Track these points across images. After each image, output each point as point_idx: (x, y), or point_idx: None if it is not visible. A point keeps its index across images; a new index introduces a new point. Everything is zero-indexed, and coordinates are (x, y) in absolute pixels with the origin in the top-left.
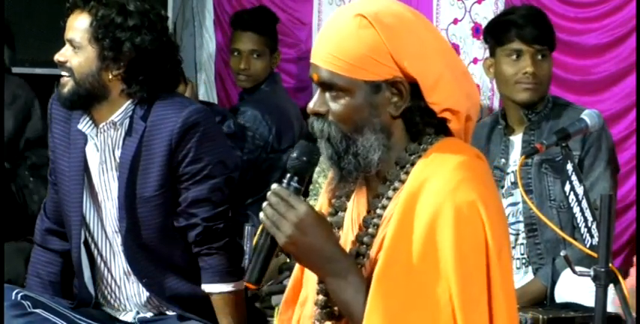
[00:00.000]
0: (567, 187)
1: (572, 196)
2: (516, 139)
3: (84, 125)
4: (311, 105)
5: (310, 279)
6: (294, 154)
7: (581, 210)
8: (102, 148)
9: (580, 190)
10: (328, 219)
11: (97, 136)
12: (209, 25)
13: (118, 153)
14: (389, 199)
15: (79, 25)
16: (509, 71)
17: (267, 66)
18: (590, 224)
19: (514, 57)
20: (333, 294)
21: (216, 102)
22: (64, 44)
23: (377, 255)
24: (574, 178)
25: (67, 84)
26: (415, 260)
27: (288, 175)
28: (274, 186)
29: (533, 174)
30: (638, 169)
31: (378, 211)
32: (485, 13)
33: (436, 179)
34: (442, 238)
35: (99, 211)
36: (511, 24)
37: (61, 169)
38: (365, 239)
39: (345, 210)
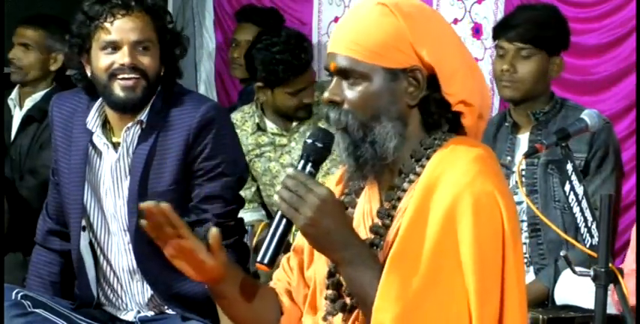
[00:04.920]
0: (567, 187)
1: (572, 196)
2: (523, 138)
3: (93, 125)
4: (326, 94)
5: (318, 273)
6: (309, 140)
7: (581, 210)
8: (123, 145)
9: (580, 190)
10: None
11: (121, 135)
12: (209, 25)
13: (132, 148)
14: (404, 191)
15: (144, 26)
16: (495, 68)
17: None
18: (590, 224)
19: (500, 54)
20: (348, 279)
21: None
22: None
23: (390, 245)
24: (574, 177)
25: (139, 85)
26: (431, 247)
27: (303, 161)
28: (290, 170)
29: (538, 174)
30: (638, 169)
31: (393, 202)
32: (485, 13)
33: (453, 172)
34: (461, 226)
35: (103, 210)
36: (504, 21)
37: (61, 170)
38: (379, 230)
39: (354, 207)
